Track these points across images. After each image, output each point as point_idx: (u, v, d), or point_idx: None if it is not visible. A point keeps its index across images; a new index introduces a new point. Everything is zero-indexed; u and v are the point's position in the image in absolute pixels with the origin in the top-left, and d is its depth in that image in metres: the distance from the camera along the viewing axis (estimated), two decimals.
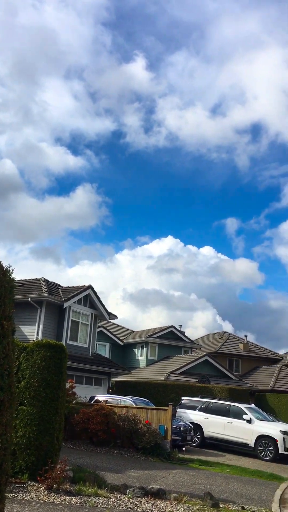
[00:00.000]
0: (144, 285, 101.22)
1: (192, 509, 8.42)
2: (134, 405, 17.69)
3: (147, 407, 17.32)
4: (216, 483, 11.84)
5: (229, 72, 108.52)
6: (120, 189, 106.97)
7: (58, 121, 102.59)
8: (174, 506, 8.47)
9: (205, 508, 8.57)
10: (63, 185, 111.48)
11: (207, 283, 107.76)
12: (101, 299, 25.58)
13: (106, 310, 25.83)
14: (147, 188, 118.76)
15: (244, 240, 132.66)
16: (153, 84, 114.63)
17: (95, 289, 25.03)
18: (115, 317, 27.57)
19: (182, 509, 8.34)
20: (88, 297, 24.76)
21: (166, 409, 16.18)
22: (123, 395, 20.80)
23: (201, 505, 8.77)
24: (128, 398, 19.31)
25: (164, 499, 8.87)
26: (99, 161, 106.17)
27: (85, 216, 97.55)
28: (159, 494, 8.97)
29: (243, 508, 9.18)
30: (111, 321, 31.66)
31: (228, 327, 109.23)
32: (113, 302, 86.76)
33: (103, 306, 25.61)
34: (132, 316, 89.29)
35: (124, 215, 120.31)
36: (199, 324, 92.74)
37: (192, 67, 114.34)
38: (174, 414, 18.20)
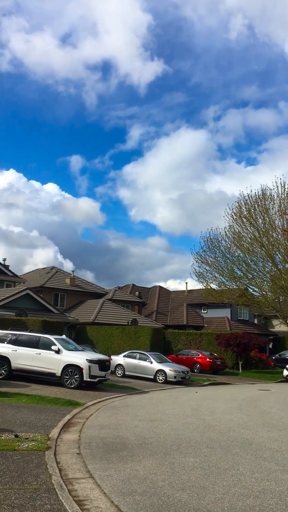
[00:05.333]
0: None
1: None
2: None
3: None
4: (3, 414, 11.38)
5: (79, 0, 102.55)
6: None
7: None
8: None
9: None
10: None
11: (49, 220, 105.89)
12: None
13: None
14: None
15: (87, 179, 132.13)
16: None
17: None
18: None
19: None
20: None
21: None
22: None
23: None
24: None
25: None
26: None
27: None
28: None
29: (16, 436, 8.84)
30: None
31: (69, 265, 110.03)
32: None
33: None
34: None
35: None
36: (39, 261, 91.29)
37: None
38: None
